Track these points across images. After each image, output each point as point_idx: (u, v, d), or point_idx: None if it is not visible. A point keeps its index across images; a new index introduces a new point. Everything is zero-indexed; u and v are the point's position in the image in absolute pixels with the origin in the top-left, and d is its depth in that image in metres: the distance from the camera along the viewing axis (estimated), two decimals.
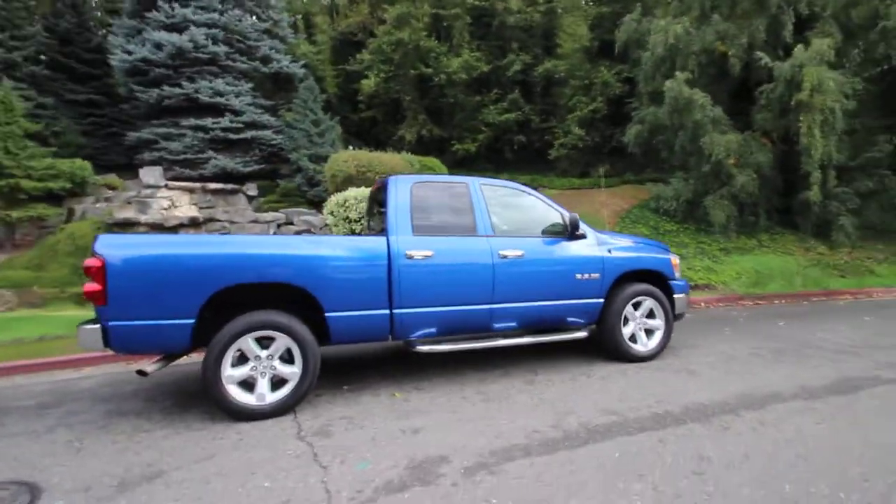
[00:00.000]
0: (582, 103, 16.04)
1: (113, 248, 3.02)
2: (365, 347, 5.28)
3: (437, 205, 3.96)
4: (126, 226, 11.22)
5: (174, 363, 3.84)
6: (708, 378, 3.98)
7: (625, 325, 4.41)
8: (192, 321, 3.12)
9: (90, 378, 4.50)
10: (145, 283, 3.03)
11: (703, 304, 7.57)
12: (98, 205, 12.16)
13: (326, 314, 3.43)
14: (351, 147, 13.92)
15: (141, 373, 3.28)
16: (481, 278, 3.86)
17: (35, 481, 2.53)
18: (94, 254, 2.99)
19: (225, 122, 13.18)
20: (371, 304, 3.56)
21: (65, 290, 9.80)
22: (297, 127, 13.53)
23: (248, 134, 13.60)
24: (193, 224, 11.63)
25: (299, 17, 19.40)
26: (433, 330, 3.81)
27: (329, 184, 11.57)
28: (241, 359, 3.29)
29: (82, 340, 3.01)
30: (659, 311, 4.54)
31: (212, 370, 3.13)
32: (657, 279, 4.64)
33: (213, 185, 13.16)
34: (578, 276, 4.20)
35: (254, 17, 14.52)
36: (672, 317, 4.61)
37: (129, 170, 14.47)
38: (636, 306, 4.48)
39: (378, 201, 4.68)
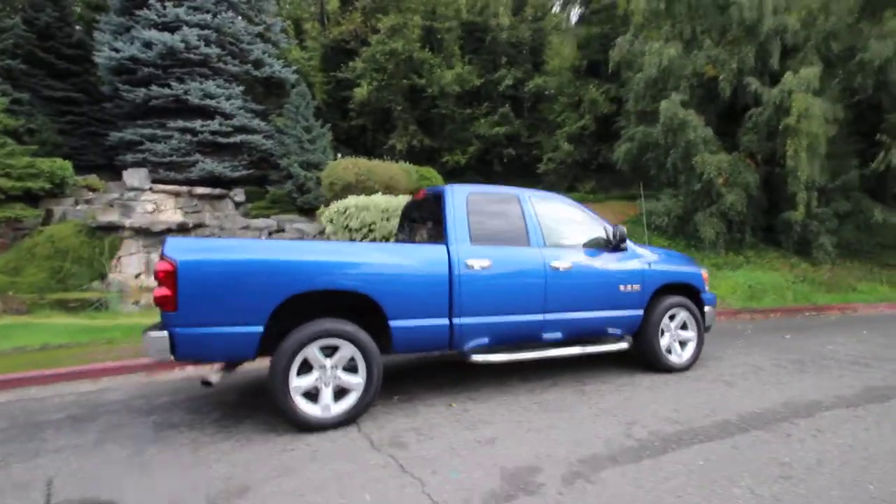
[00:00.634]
0: (570, 119, 16.51)
1: (184, 251, 2.90)
2: (393, 358, 5.20)
3: (491, 215, 3.98)
4: (110, 229, 10.73)
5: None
6: (745, 388, 4.12)
7: (661, 336, 4.53)
8: (260, 329, 3.02)
9: (116, 390, 4.26)
10: (217, 288, 2.92)
11: None
12: (78, 207, 11.59)
13: (390, 322, 3.38)
14: (340, 155, 13.78)
15: (206, 383, 3.14)
16: (535, 288, 3.90)
17: (112, 499, 2.38)
18: (163, 257, 2.87)
19: (214, 125, 12.83)
20: (433, 312, 3.53)
21: (44, 297, 9.25)
22: (288, 133, 13.30)
23: (238, 138, 13.27)
24: (182, 229, 11.21)
25: (289, 23, 19.20)
26: (486, 340, 3.80)
27: (327, 191, 11.40)
28: (304, 368, 3.20)
29: (150, 349, 2.85)
30: (692, 323, 4.68)
31: (280, 380, 3.03)
32: (688, 291, 4.79)
33: (199, 190, 12.76)
34: (622, 287, 4.30)
35: (246, 21, 14.28)
36: (703, 328, 4.77)
37: (108, 171, 13.84)
38: (671, 318, 4.60)
39: (420, 211, 4.66)
